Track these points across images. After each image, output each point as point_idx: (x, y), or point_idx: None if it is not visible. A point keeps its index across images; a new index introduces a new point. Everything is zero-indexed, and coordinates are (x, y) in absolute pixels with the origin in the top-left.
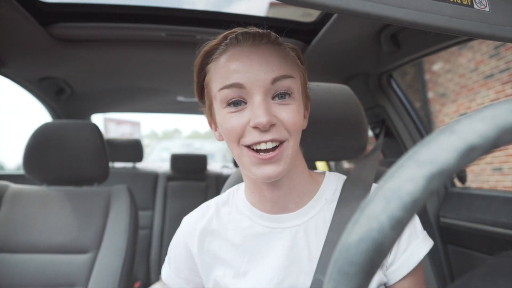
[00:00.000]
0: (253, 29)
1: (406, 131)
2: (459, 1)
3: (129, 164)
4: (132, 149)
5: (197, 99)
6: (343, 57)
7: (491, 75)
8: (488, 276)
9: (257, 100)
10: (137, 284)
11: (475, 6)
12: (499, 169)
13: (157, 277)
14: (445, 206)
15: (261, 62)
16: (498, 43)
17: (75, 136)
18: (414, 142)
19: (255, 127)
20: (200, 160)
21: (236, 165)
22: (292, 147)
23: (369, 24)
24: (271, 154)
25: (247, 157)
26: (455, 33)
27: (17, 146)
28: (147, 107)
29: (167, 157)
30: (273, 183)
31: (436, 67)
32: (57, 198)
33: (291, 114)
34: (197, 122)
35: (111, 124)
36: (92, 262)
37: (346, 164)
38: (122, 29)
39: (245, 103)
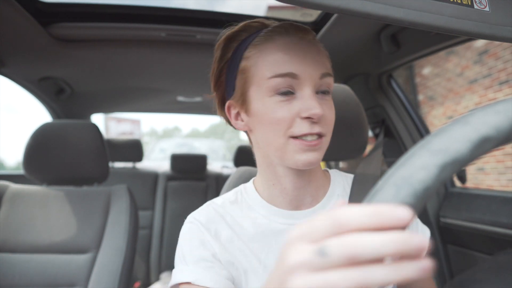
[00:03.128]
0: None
1: (406, 131)
2: (459, 1)
3: (129, 164)
4: (132, 149)
5: (212, 85)
6: (343, 57)
7: (475, 80)
8: (492, 270)
9: (308, 91)
10: (137, 284)
11: (475, 6)
12: (482, 169)
13: (157, 277)
14: (445, 206)
15: (312, 55)
16: (481, 49)
17: (75, 136)
18: (414, 142)
19: (306, 118)
20: (200, 160)
21: (236, 165)
22: (328, 141)
23: (369, 24)
24: (316, 141)
25: (292, 145)
26: (455, 33)
27: (14, 144)
28: (147, 107)
29: (163, 157)
30: (298, 172)
31: (426, 70)
32: (57, 198)
33: (330, 111)
34: (197, 121)
35: (111, 122)
36: (92, 262)
37: (341, 164)
38: (122, 29)
39: (293, 93)
